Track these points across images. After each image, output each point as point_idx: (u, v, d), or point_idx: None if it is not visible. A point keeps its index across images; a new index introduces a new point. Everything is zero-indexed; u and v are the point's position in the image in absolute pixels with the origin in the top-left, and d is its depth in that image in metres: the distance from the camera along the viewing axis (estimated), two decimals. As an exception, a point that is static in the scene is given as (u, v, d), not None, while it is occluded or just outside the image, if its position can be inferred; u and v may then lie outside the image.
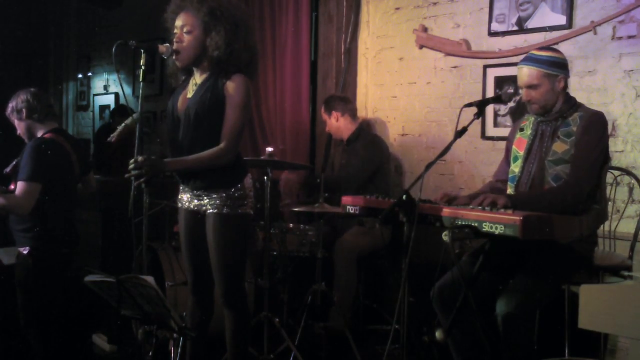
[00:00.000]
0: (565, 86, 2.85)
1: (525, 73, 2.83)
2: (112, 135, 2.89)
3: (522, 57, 2.98)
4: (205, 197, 2.87)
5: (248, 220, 2.94)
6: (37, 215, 3.32)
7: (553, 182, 2.79)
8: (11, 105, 3.45)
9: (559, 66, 2.82)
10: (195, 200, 2.91)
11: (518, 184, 2.91)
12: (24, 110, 3.41)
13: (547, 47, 2.99)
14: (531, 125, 2.96)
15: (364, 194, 2.89)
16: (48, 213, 3.36)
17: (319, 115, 5.00)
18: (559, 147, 2.80)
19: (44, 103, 3.46)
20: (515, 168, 2.95)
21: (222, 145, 2.77)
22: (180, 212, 3.01)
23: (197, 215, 2.91)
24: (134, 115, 2.78)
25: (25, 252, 3.35)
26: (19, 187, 3.26)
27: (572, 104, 2.85)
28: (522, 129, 3.00)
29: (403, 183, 4.59)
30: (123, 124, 2.88)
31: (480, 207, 2.49)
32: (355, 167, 4.22)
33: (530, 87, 2.83)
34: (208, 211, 2.86)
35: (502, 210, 2.43)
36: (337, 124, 4.36)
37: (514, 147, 3.00)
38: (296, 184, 4.27)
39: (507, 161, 3.07)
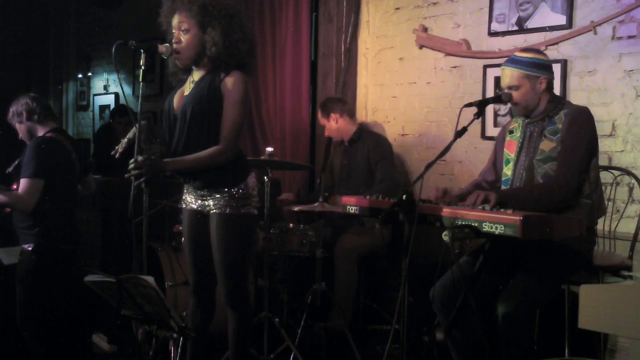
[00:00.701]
0: (548, 87, 2.85)
1: (507, 74, 2.85)
2: (115, 149, 2.89)
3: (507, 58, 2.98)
4: (208, 198, 2.87)
5: (252, 220, 2.94)
6: (40, 212, 3.39)
7: (542, 180, 2.80)
8: (12, 110, 3.56)
9: (539, 67, 2.82)
10: (199, 201, 2.91)
11: (511, 186, 2.91)
12: (24, 112, 3.52)
13: (531, 49, 3.00)
14: (520, 127, 2.97)
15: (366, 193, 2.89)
16: (51, 210, 3.43)
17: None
18: (546, 145, 2.81)
19: (43, 105, 3.57)
20: (508, 171, 2.96)
21: (221, 143, 2.77)
22: (184, 212, 3.02)
23: (200, 216, 2.91)
24: (136, 126, 2.76)
25: (29, 248, 3.40)
26: (22, 184, 3.35)
27: (557, 103, 2.86)
28: (511, 132, 3.01)
29: (403, 183, 4.59)
30: (126, 139, 2.87)
31: (480, 207, 2.49)
32: (390, 173, 4.20)
33: (511, 88, 2.84)
34: (211, 211, 2.86)
35: (501, 210, 2.43)
36: (337, 125, 4.34)
37: (505, 150, 3.01)
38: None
39: (493, 161, 3.09)
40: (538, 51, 2.95)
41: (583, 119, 2.78)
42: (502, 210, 2.41)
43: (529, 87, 2.82)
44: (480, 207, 2.49)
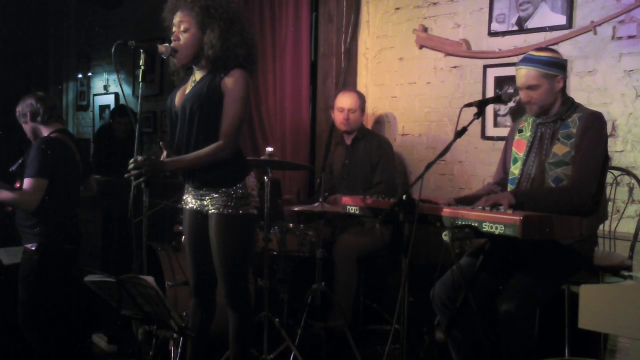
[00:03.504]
0: (564, 86, 2.85)
1: (524, 74, 2.83)
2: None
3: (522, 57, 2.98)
4: (207, 197, 2.87)
5: (251, 221, 2.93)
6: (44, 211, 3.41)
7: (553, 184, 2.79)
8: (18, 109, 3.59)
9: (557, 66, 2.81)
10: (199, 201, 2.91)
11: (518, 185, 2.91)
12: (28, 113, 3.54)
13: (545, 48, 2.99)
14: (530, 127, 2.95)
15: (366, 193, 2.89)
16: (54, 209, 3.45)
17: (319, 115, 5.01)
18: (560, 149, 2.80)
19: (48, 106, 3.58)
20: (515, 170, 2.95)
21: (221, 139, 2.77)
22: (184, 212, 3.02)
23: (200, 216, 2.91)
24: (136, 127, 2.76)
25: (32, 248, 3.42)
26: (27, 183, 3.37)
27: (570, 105, 2.85)
28: (520, 130, 3.00)
29: (403, 183, 4.59)
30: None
31: (488, 208, 2.48)
32: (390, 176, 4.22)
33: (529, 87, 2.82)
34: (210, 211, 2.86)
35: (503, 209, 2.43)
36: (360, 117, 4.35)
37: (513, 148, 3.00)
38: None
39: (503, 163, 3.08)
40: (553, 50, 2.92)
41: (599, 125, 2.77)
42: (503, 209, 2.41)
43: (547, 87, 2.80)
44: (495, 208, 2.47)
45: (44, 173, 3.38)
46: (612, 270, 3.04)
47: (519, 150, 2.96)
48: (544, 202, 2.65)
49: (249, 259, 3.00)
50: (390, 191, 3.96)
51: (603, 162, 2.78)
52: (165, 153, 2.89)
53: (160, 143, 2.92)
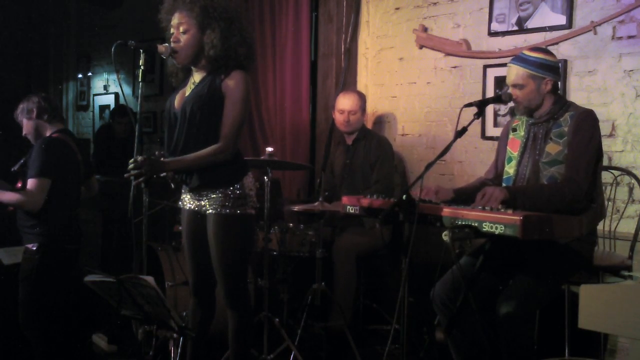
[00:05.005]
0: (554, 89, 2.84)
1: (513, 72, 2.85)
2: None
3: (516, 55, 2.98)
4: (205, 198, 2.87)
5: (249, 221, 2.92)
6: (45, 211, 3.41)
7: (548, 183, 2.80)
8: (22, 106, 3.59)
9: (546, 68, 2.81)
10: (196, 201, 2.91)
11: (513, 184, 2.91)
12: (34, 109, 3.54)
13: (539, 48, 2.99)
14: (524, 126, 2.96)
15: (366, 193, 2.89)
16: (55, 210, 3.45)
17: (319, 115, 5.01)
18: (552, 148, 2.80)
19: (53, 105, 3.61)
20: (510, 169, 2.95)
21: (221, 141, 2.77)
22: (182, 212, 3.02)
23: (199, 216, 2.91)
24: (136, 126, 2.77)
25: (33, 248, 3.42)
26: (30, 183, 3.38)
27: (562, 105, 2.85)
28: (514, 129, 3.01)
29: (403, 183, 4.59)
30: None
31: (488, 208, 2.48)
32: (387, 175, 4.22)
33: (515, 86, 2.84)
34: (208, 211, 2.86)
35: (502, 209, 2.43)
36: (361, 117, 4.35)
37: (508, 148, 3.00)
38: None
39: (496, 161, 3.09)
40: (547, 51, 2.92)
41: (589, 122, 2.78)
42: (503, 209, 2.41)
43: (533, 87, 2.81)
44: (495, 209, 2.46)
45: (47, 173, 3.38)
46: (612, 270, 3.04)
47: (513, 150, 2.97)
48: (536, 198, 2.65)
49: (248, 259, 3.00)
50: (386, 191, 3.96)
51: (597, 159, 2.78)
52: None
53: (156, 152, 2.92)
